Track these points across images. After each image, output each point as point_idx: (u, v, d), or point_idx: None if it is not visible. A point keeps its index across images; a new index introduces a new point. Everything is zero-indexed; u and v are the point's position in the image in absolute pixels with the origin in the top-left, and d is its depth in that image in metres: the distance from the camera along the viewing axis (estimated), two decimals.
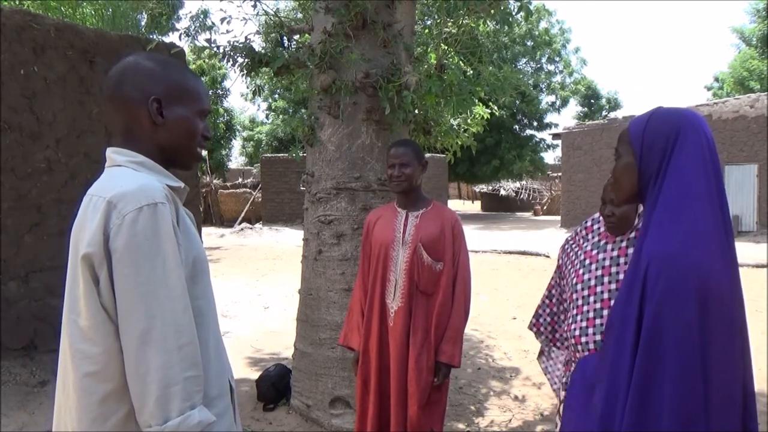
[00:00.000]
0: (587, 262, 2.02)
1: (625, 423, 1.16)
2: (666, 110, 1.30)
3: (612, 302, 1.89)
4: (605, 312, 1.89)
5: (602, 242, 2.02)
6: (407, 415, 2.40)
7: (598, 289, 1.93)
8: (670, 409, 1.11)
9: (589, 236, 2.11)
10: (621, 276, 1.91)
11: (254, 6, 3.54)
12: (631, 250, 1.92)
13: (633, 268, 1.24)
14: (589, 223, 2.15)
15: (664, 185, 1.23)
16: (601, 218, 2.09)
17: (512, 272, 10.17)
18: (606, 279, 1.93)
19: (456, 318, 2.44)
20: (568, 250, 2.15)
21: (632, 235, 1.96)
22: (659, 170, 1.25)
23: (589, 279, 1.98)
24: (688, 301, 1.12)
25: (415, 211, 2.51)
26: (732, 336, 1.18)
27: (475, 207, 36.60)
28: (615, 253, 1.96)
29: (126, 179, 1.12)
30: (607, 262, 1.94)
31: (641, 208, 1.86)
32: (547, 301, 2.19)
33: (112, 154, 1.21)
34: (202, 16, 3.46)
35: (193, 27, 3.44)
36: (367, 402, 2.50)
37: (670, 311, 1.13)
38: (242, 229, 18.18)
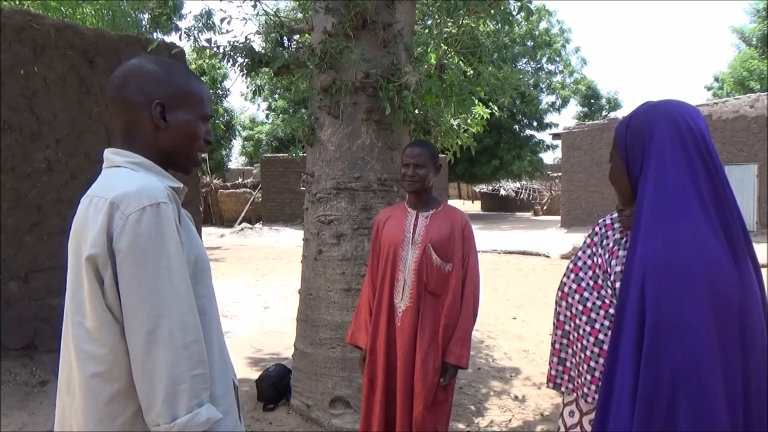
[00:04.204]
0: (610, 259, 2.07)
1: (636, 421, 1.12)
2: (647, 106, 1.24)
3: None
4: None
5: (623, 240, 2.06)
6: (413, 415, 2.40)
7: (617, 284, 1.98)
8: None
9: (609, 233, 2.13)
10: None
11: (254, 6, 3.55)
12: None
13: (627, 275, 1.20)
14: (608, 221, 2.17)
15: (647, 185, 1.18)
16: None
17: (512, 272, 10.17)
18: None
19: (464, 319, 2.44)
20: (584, 258, 2.15)
21: None
22: (641, 171, 1.20)
23: (609, 274, 2.04)
24: (694, 302, 1.08)
25: (426, 211, 2.51)
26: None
27: (475, 207, 36.61)
28: None
29: (127, 180, 1.12)
30: (625, 259, 2.01)
31: None
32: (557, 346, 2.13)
33: (111, 155, 1.21)
34: (206, 17, 3.46)
35: (195, 27, 3.44)
36: (373, 401, 2.51)
37: (668, 312, 1.10)
38: (242, 229, 18.18)
